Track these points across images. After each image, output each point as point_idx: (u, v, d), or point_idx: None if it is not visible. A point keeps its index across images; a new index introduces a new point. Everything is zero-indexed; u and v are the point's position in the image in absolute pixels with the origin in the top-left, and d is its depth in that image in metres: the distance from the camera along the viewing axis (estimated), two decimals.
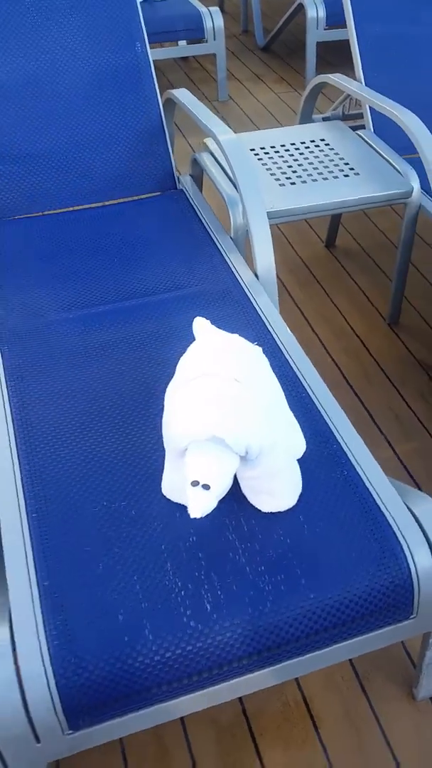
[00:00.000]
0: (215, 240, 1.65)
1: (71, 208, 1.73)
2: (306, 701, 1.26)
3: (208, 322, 1.15)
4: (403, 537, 1.04)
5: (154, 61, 1.80)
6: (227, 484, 0.94)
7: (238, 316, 1.43)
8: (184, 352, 1.11)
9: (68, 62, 1.75)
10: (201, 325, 1.16)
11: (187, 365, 1.06)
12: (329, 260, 2.41)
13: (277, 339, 1.37)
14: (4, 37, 1.71)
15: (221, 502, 1.08)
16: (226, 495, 1.09)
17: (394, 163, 1.90)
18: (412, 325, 2.12)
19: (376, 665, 1.31)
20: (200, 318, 1.17)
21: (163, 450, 1.12)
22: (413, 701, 1.26)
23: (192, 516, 0.89)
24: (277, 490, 1.06)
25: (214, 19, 3.20)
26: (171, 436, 0.99)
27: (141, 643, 0.92)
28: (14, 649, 0.90)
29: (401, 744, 1.20)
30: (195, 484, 0.89)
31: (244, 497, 1.09)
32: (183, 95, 1.81)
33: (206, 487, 0.89)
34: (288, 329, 1.40)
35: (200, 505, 0.88)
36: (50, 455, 1.14)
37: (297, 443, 1.14)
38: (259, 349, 1.13)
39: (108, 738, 0.96)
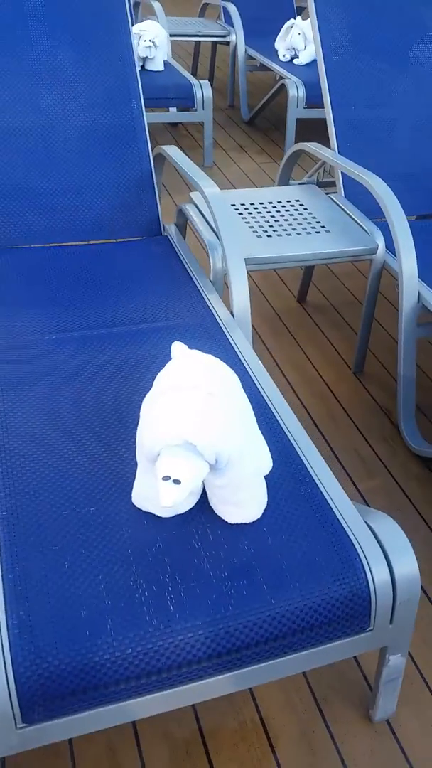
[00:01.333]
0: (195, 280, 1.75)
1: (62, 244, 1.83)
2: (263, 721, 1.27)
3: (186, 346, 1.23)
4: (362, 551, 1.10)
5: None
6: (196, 485, 0.99)
7: (213, 348, 1.51)
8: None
9: (71, 114, 1.89)
10: (179, 347, 1.23)
11: (164, 378, 1.13)
12: (300, 313, 2.53)
13: (248, 368, 1.45)
14: (11, 88, 1.85)
15: (188, 511, 1.13)
16: (194, 506, 1.14)
17: (362, 224, 2.05)
18: (376, 374, 2.23)
19: (334, 688, 1.33)
20: (178, 342, 1.24)
21: (135, 462, 1.17)
22: (370, 723, 1.28)
23: (162, 504, 0.94)
24: (243, 501, 1.11)
25: (203, 90, 3.45)
26: (145, 442, 1.04)
27: (102, 639, 0.94)
28: None
29: (357, 765, 1.22)
30: (166, 478, 0.95)
31: (212, 509, 1.14)
32: (173, 152, 1.95)
33: (177, 482, 0.95)
34: (259, 361, 1.48)
35: (171, 496, 0.93)
36: (24, 464, 1.18)
37: (264, 460, 1.20)
38: (232, 371, 1.21)
39: (62, 736, 0.97)
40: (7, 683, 0.89)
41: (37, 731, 0.94)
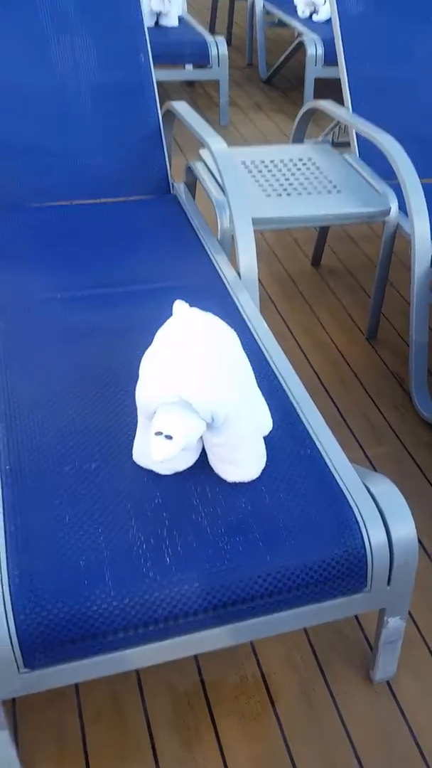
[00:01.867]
0: (202, 241, 1.73)
1: (69, 202, 1.83)
2: (264, 677, 1.30)
3: (187, 305, 1.23)
4: (359, 512, 1.10)
5: (161, 81, 1.92)
6: (190, 442, 1.00)
7: (219, 309, 1.50)
8: None
9: (79, 71, 1.86)
10: (180, 306, 1.23)
11: (164, 335, 1.13)
12: (314, 277, 2.51)
13: (253, 330, 1.45)
14: (18, 46, 1.83)
15: (188, 469, 1.14)
16: (194, 465, 1.15)
17: (375, 185, 2.01)
18: (389, 340, 2.21)
19: (335, 648, 1.35)
20: (180, 301, 1.24)
21: (136, 419, 1.18)
22: (370, 684, 1.30)
23: (154, 458, 0.95)
24: (241, 460, 1.12)
25: (219, 47, 3.36)
26: (143, 399, 1.05)
27: (100, 588, 0.97)
28: None
29: (355, 723, 1.24)
30: (158, 434, 0.96)
31: (211, 468, 1.15)
32: (181, 107, 1.92)
33: (169, 437, 0.96)
34: (264, 322, 1.48)
35: (162, 451, 0.94)
36: (28, 420, 1.20)
37: (264, 420, 1.20)
38: (233, 331, 1.21)
39: (62, 682, 1.00)
40: (8, 629, 0.92)
41: (39, 676, 0.97)
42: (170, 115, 2.04)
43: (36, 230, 1.71)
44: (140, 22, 1.89)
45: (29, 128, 1.83)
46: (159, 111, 1.93)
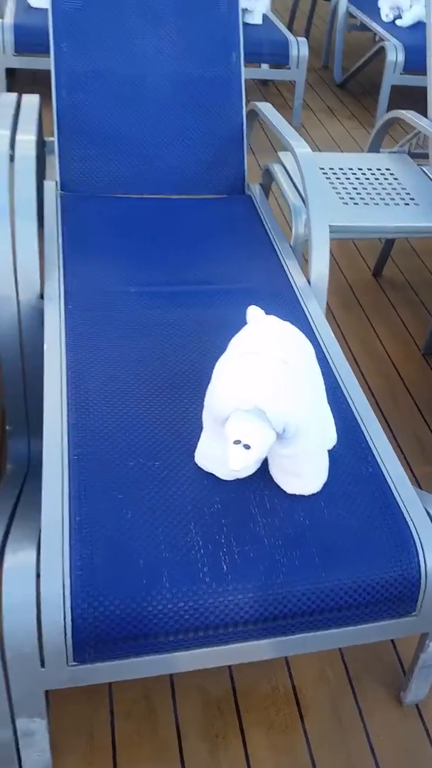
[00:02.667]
0: (275, 244, 1.72)
1: (146, 195, 1.82)
2: (295, 689, 1.29)
3: (262, 311, 1.21)
4: (418, 535, 1.08)
5: None
6: (264, 452, 0.99)
7: (287, 315, 1.48)
8: (231, 338, 1.17)
9: (168, 65, 1.85)
10: (255, 312, 1.22)
11: (240, 342, 1.12)
12: (374, 288, 2.47)
13: (320, 339, 1.43)
14: (113, 36, 1.82)
15: (248, 477, 1.13)
16: (254, 472, 1.14)
17: None
18: None
19: (368, 667, 1.34)
20: (254, 306, 1.23)
21: (200, 422, 1.18)
22: (399, 705, 1.28)
23: (231, 467, 0.94)
24: (304, 472, 1.11)
25: (300, 48, 3.32)
26: (215, 403, 1.04)
27: (157, 589, 0.97)
28: (38, 575, 0.95)
29: (382, 742, 1.23)
30: (237, 442, 0.95)
31: (271, 477, 1.14)
32: (266, 109, 1.90)
33: (247, 446, 0.95)
34: (332, 333, 1.46)
35: (240, 460, 0.94)
36: (96, 410, 1.20)
37: (329, 434, 1.19)
38: (308, 341, 1.19)
39: (107, 678, 1.01)
40: (64, 621, 0.93)
41: (86, 671, 0.97)
42: (252, 115, 2.02)
43: (111, 221, 1.71)
44: (236, 20, 1.87)
45: (112, 118, 1.83)
46: (244, 111, 1.91)
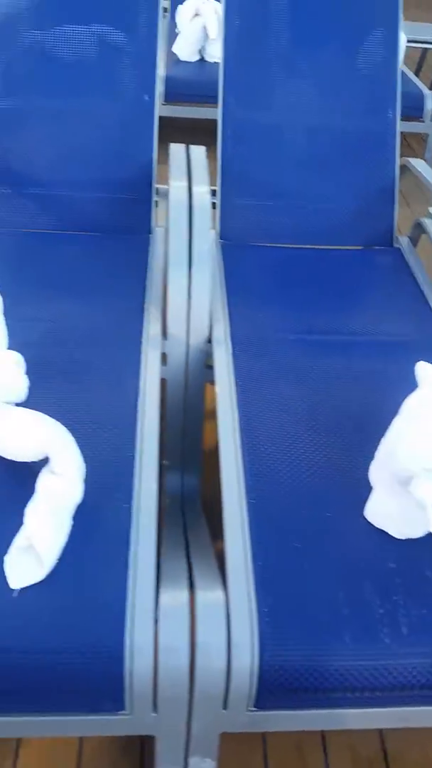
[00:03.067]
0: (427, 297, 1.72)
1: (300, 246, 1.87)
2: None
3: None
4: None
5: None
6: None
7: None
8: (392, 389, 1.18)
9: (325, 115, 1.91)
10: (426, 369, 1.22)
11: (420, 402, 1.13)
12: None
13: None
14: (275, 85, 1.90)
15: (422, 537, 1.13)
16: (428, 533, 1.13)
17: None
18: None
19: None
20: (424, 362, 1.23)
21: (364, 473, 1.18)
22: None
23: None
24: None
25: None
26: (401, 459, 1.05)
27: (339, 646, 0.97)
28: (228, 616, 0.98)
29: None
30: None
31: None
32: (420, 165, 1.93)
33: None
34: None
35: None
36: (268, 455, 1.24)
37: None
38: None
39: (279, 727, 1.02)
40: (251, 666, 0.94)
41: (263, 717, 0.98)
42: (403, 169, 2.05)
43: (268, 270, 1.76)
44: (395, 72, 1.91)
45: (271, 167, 1.90)
46: (397, 165, 1.94)
